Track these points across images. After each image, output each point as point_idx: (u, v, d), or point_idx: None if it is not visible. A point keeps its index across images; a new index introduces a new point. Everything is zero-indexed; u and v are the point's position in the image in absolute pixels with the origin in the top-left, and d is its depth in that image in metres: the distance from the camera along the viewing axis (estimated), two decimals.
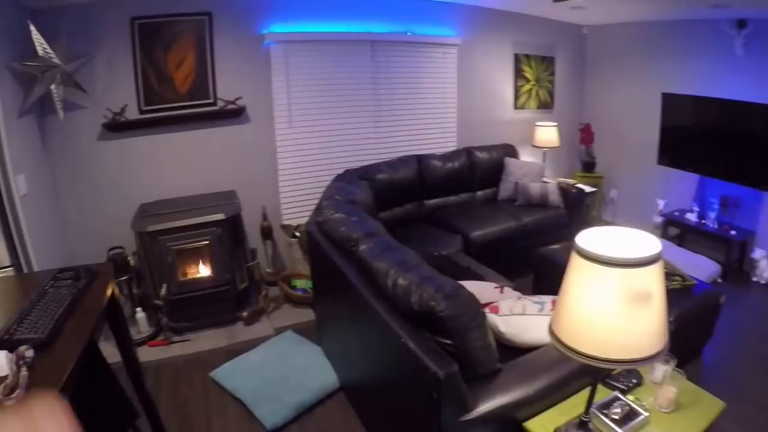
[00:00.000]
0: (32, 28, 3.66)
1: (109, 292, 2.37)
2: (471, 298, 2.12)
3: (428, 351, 1.99)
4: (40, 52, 3.72)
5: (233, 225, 4.28)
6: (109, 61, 4.25)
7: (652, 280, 1.45)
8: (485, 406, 1.97)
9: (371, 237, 2.72)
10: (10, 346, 1.83)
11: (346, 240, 2.82)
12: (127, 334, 2.72)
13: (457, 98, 5.58)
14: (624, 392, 2.10)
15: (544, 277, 3.97)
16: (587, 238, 1.54)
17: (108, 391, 2.55)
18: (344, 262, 2.77)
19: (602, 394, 2.07)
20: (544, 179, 5.40)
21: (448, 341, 2.03)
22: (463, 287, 2.15)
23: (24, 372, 1.68)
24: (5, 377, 1.66)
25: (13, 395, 1.56)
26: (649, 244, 1.48)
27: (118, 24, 4.19)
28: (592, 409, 1.91)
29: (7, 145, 3.49)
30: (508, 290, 3.03)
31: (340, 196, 3.48)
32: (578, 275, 1.53)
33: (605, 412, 1.96)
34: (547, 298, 2.60)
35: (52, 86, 3.87)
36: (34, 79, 3.81)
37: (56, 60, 3.81)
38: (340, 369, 3.43)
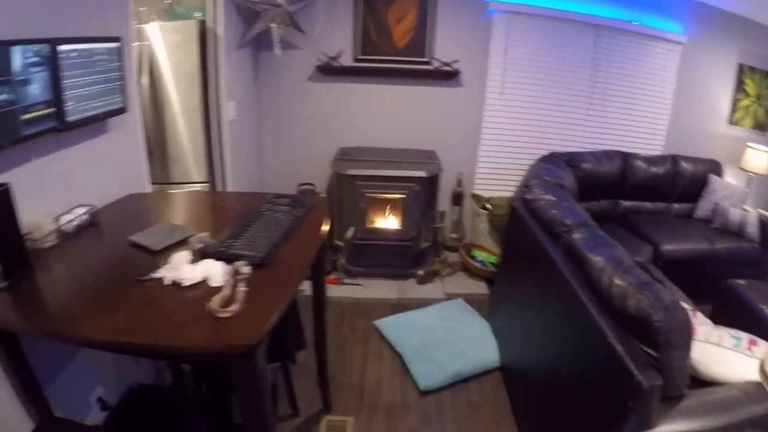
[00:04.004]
0: None
1: (326, 226, 2.41)
2: (686, 315, 1.99)
3: (634, 357, 1.89)
4: None
5: (431, 184, 4.31)
6: (329, 7, 4.41)
7: None
8: (665, 429, 1.87)
9: (585, 227, 2.62)
10: (225, 258, 1.91)
11: (557, 224, 2.73)
12: (323, 269, 2.80)
13: (672, 100, 5.22)
14: None
15: (726, 311, 3.65)
16: None
17: (289, 317, 2.62)
18: (551, 246, 2.69)
19: None
20: (745, 207, 4.97)
21: (652, 352, 1.91)
22: (679, 302, 2.01)
23: (243, 287, 1.71)
24: (220, 288, 1.72)
25: (230, 308, 1.59)
26: None
27: None
28: None
29: (224, 73, 3.75)
30: (699, 315, 2.83)
31: (550, 178, 3.38)
32: None
33: None
34: (743, 336, 2.37)
35: (273, 24, 4.07)
36: (256, 16, 4.02)
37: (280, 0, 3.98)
38: (505, 349, 3.39)
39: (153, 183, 3.73)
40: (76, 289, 1.80)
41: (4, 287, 1.72)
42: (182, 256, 1.90)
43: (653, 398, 1.81)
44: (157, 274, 1.81)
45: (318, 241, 2.26)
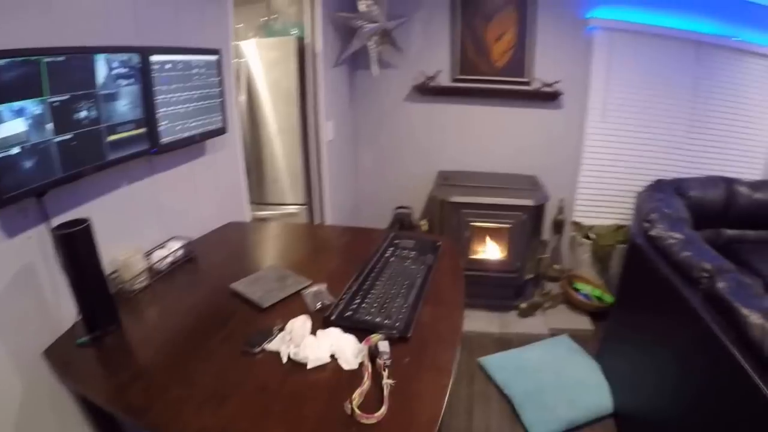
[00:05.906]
0: None
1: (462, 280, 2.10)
2: None
3: None
4: (362, 8, 3.85)
5: (537, 213, 4.13)
6: (426, 24, 4.34)
7: None
8: None
9: (727, 273, 2.47)
10: (354, 327, 1.58)
11: (694, 268, 2.58)
12: None
13: None
14: None
15: None
16: None
17: None
18: (689, 292, 2.54)
19: None
20: None
21: None
22: None
23: (387, 379, 1.34)
24: (353, 372, 1.41)
25: (376, 414, 1.24)
26: None
27: None
28: None
29: (323, 92, 3.71)
30: None
31: (670, 211, 3.24)
32: None
33: None
34: None
35: (370, 42, 4.03)
36: (352, 33, 3.98)
37: (378, 16, 3.92)
38: (619, 394, 3.17)
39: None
40: (173, 356, 1.54)
41: (87, 341, 1.55)
42: (303, 326, 1.58)
43: None
44: (271, 346, 1.54)
45: (461, 301, 1.92)
